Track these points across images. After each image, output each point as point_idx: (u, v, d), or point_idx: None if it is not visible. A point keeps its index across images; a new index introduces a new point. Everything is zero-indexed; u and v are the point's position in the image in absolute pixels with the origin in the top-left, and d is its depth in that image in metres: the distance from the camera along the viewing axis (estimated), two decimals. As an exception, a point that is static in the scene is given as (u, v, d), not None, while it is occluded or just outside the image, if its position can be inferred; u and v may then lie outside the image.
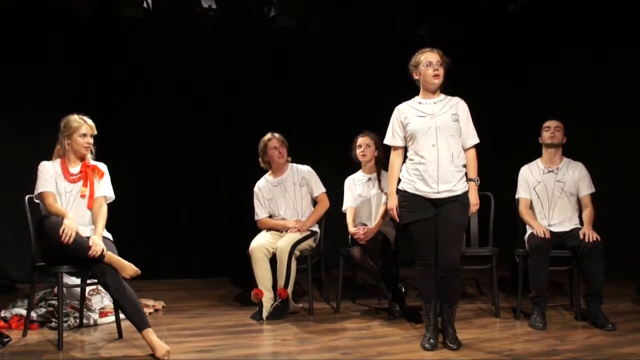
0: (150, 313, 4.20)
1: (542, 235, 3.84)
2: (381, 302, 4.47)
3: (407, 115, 3.36)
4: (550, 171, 4.09)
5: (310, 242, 4.25)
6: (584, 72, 5.66)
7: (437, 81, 3.31)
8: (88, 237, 3.25)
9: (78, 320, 3.80)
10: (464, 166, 3.33)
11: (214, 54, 5.97)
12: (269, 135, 4.38)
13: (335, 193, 4.49)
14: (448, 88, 3.41)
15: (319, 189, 4.41)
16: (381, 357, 3.11)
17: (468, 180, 3.34)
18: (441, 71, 3.29)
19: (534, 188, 4.11)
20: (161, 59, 5.85)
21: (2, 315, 3.83)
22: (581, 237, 3.78)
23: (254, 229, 4.41)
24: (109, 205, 3.54)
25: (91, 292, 4.10)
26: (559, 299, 4.46)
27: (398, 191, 3.40)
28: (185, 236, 5.94)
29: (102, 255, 3.17)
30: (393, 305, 4.07)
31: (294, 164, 4.46)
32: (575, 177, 4.03)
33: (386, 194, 3.66)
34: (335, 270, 4.54)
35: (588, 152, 4.43)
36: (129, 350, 3.25)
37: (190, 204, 5.99)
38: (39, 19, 5.44)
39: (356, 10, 5.85)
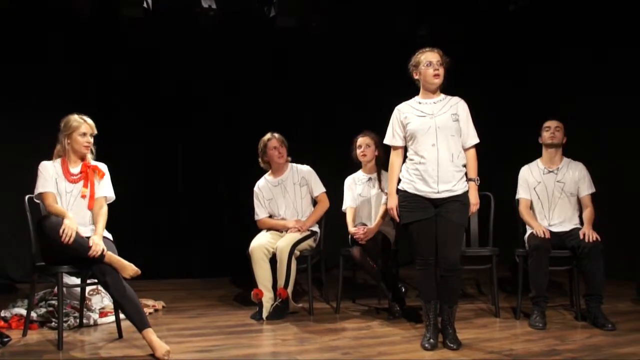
0: (150, 313, 4.20)
1: (542, 236, 3.84)
2: (381, 302, 4.47)
3: (407, 115, 3.36)
4: (550, 171, 4.09)
5: (310, 242, 4.25)
6: (584, 72, 5.66)
7: (438, 81, 3.31)
8: (88, 237, 3.25)
9: (78, 320, 3.81)
10: (464, 166, 3.34)
11: (214, 54, 5.97)
12: (268, 135, 4.39)
13: (335, 193, 4.49)
14: (448, 88, 3.41)
15: (319, 188, 4.41)
16: (381, 357, 3.11)
17: (468, 180, 3.34)
18: (441, 71, 3.29)
19: (534, 188, 4.11)
20: (161, 59, 5.86)
21: (2, 315, 3.83)
22: (581, 237, 3.78)
23: (254, 229, 4.41)
24: (109, 205, 3.54)
25: (91, 292, 4.10)
26: (559, 299, 4.46)
27: (398, 191, 3.40)
28: (185, 236, 5.94)
29: (102, 255, 3.17)
30: (393, 305, 4.07)
31: (294, 164, 4.46)
32: (575, 177, 4.03)
33: (386, 193, 3.66)
34: (335, 270, 4.54)
35: (588, 152, 4.43)
36: (129, 350, 3.25)
37: (190, 204, 5.99)
38: (39, 19, 5.44)
39: (356, 10, 5.85)
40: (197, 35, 5.84)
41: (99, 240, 3.22)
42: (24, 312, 3.70)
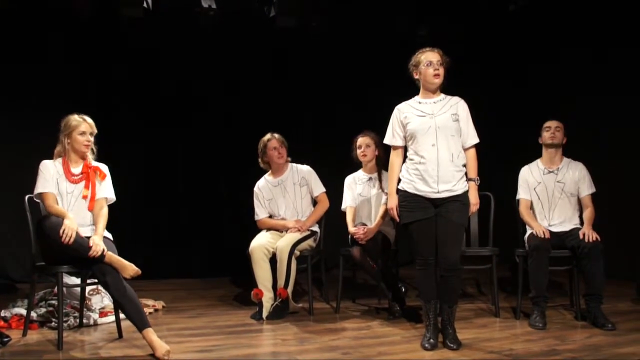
0: (150, 313, 4.20)
1: (542, 236, 3.84)
2: (381, 302, 4.47)
3: (407, 115, 3.36)
4: (550, 172, 4.09)
5: (310, 242, 4.25)
6: (584, 72, 5.66)
7: (438, 81, 3.31)
8: (88, 238, 3.25)
9: (78, 320, 3.80)
10: (464, 166, 3.34)
11: (214, 54, 5.97)
12: (268, 136, 4.38)
13: (335, 193, 4.49)
14: (448, 88, 3.41)
15: (319, 189, 4.41)
16: (381, 357, 3.11)
17: (468, 180, 3.34)
18: (441, 71, 3.29)
19: (534, 189, 4.11)
20: (161, 59, 5.86)
21: (2, 315, 3.83)
22: (581, 237, 3.78)
23: (254, 229, 4.41)
24: (109, 205, 3.54)
25: (91, 292, 4.10)
26: (559, 299, 4.46)
27: (398, 191, 3.40)
28: (185, 236, 5.94)
29: (102, 256, 3.17)
30: (393, 305, 4.07)
31: (294, 164, 4.46)
32: (575, 177, 4.03)
33: (386, 193, 3.66)
34: (335, 270, 4.54)
35: (588, 152, 4.43)
36: (129, 350, 3.25)
37: (190, 204, 5.99)
38: (39, 19, 5.44)
39: (356, 10, 5.85)
40: (197, 35, 5.84)
41: (99, 240, 3.22)
42: (24, 312, 3.70)
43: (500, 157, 5.93)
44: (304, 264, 4.17)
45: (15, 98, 5.42)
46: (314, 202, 4.44)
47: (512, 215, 4.22)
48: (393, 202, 3.40)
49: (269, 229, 4.35)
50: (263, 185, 4.45)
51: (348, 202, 4.37)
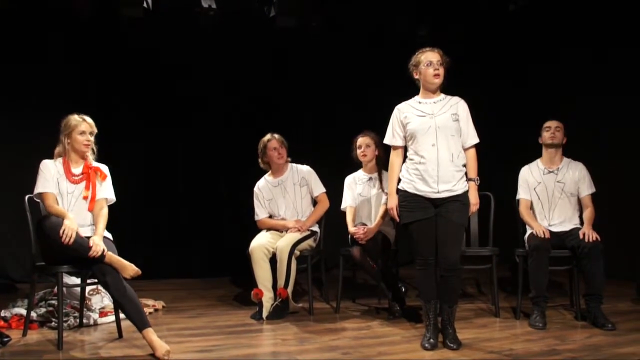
0: (150, 313, 4.20)
1: (542, 236, 3.84)
2: (381, 302, 4.47)
3: (407, 115, 3.36)
4: (550, 172, 4.09)
5: (310, 242, 4.25)
6: (584, 72, 5.66)
7: (438, 81, 3.31)
8: (88, 237, 3.25)
9: (78, 320, 3.80)
10: (464, 166, 3.34)
11: (214, 54, 5.97)
12: (268, 136, 4.38)
13: (335, 193, 4.49)
14: (448, 88, 3.41)
15: (319, 189, 4.41)
16: (381, 357, 3.11)
17: (468, 180, 3.34)
18: (441, 71, 3.29)
19: (534, 189, 4.11)
20: (161, 59, 5.85)
21: (2, 315, 3.83)
22: (581, 237, 3.78)
23: (254, 229, 4.41)
24: (109, 205, 3.54)
25: (91, 292, 4.10)
26: (559, 299, 4.46)
27: (398, 191, 3.40)
28: (185, 236, 5.94)
29: (102, 256, 3.17)
30: (393, 305, 4.07)
31: (294, 164, 4.46)
32: (575, 177, 4.03)
33: (387, 193, 3.66)
34: (335, 270, 4.54)
35: (588, 152, 4.43)
36: (129, 350, 3.25)
37: (190, 204, 5.99)
38: (39, 19, 5.44)
39: (356, 11, 5.85)
40: (197, 35, 5.84)
41: (99, 240, 3.22)
42: (24, 312, 3.70)
43: (500, 157, 5.93)
44: (304, 264, 4.17)
45: (15, 98, 5.42)
46: (314, 202, 4.44)
47: (512, 215, 4.22)
48: (393, 202, 3.40)
49: (269, 229, 4.35)
50: (263, 185, 4.45)
51: (348, 202, 4.37)
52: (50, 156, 3.48)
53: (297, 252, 4.09)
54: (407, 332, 3.64)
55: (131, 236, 5.02)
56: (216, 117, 6.10)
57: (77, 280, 3.76)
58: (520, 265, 4.01)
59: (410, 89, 3.45)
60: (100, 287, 4.04)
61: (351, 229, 4.15)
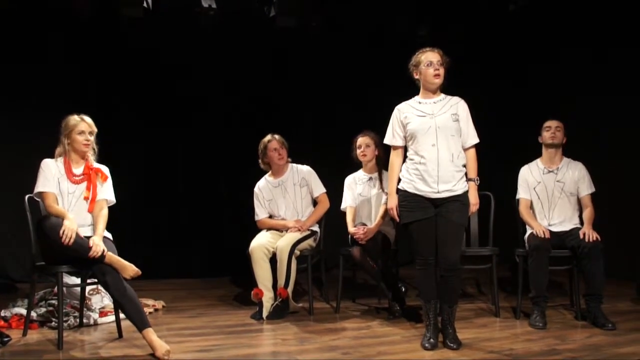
0: (150, 313, 4.20)
1: (542, 236, 3.84)
2: (381, 301, 4.47)
3: (407, 115, 3.36)
4: (550, 171, 4.09)
5: (310, 242, 4.25)
6: (584, 72, 5.66)
7: (438, 81, 3.31)
8: (88, 238, 3.25)
9: (78, 320, 3.81)
10: (464, 166, 3.34)
11: (214, 54, 5.97)
12: (268, 137, 4.38)
13: (335, 193, 4.49)
14: (448, 88, 3.41)
15: (319, 189, 4.41)
16: (381, 357, 3.11)
17: (468, 180, 3.34)
18: (442, 71, 3.29)
19: (534, 188, 4.11)
20: (161, 59, 5.85)
21: (2, 314, 3.83)
22: (581, 236, 3.78)
23: (254, 229, 4.41)
24: (109, 206, 3.54)
25: (91, 292, 4.10)
26: (559, 299, 4.46)
27: (398, 191, 3.40)
28: (185, 236, 5.94)
29: (102, 256, 3.17)
30: (393, 305, 4.07)
31: (294, 164, 4.46)
32: (575, 177, 4.03)
33: (387, 193, 3.66)
34: (335, 270, 4.54)
35: (588, 152, 4.43)
36: (129, 349, 3.25)
37: (190, 204, 5.99)
38: (39, 19, 5.44)
39: (356, 10, 5.85)
40: (197, 35, 5.84)
41: (99, 240, 3.22)
42: (24, 311, 3.70)
43: (500, 157, 5.93)
44: (304, 263, 4.17)
45: (15, 98, 5.42)
46: (314, 203, 4.44)
47: (512, 215, 4.22)
48: (393, 202, 3.40)
49: (269, 229, 4.35)
50: (263, 185, 4.45)
51: (348, 202, 4.37)
52: (51, 156, 3.48)
53: (297, 252, 4.09)
54: (407, 332, 3.64)
55: (131, 236, 5.01)
56: (216, 117, 6.10)
57: (77, 280, 3.76)
58: (520, 265, 4.01)
59: (410, 89, 3.45)
60: (100, 287, 4.04)
61: (351, 229, 4.15)
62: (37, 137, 4.72)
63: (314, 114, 6.27)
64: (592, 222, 3.90)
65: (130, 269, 3.22)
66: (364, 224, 4.15)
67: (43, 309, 3.83)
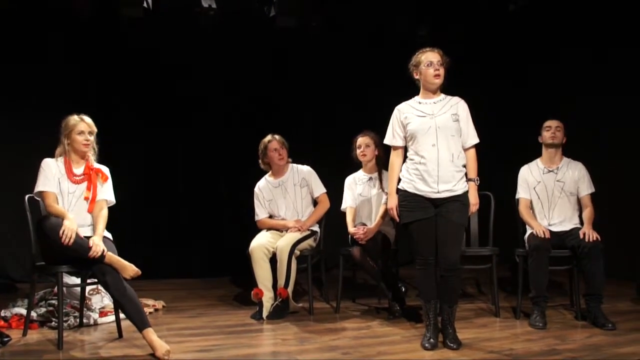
0: (150, 313, 4.20)
1: (542, 235, 3.84)
2: (381, 301, 4.47)
3: (407, 115, 3.36)
4: (550, 171, 4.09)
5: (310, 242, 4.25)
6: (584, 72, 5.66)
7: (438, 81, 3.31)
8: (88, 238, 3.25)
9: (78, 320, 3.81)
10: (464, 166, 3.34)
11: (214, 54, 5.97)
12: (269, 137, 4.38)
13: (335, 193, 4.49)
14: (448, 88, 3.41)
15: (320, 189, 4.41)
16: (381, 357, 3.11)
17: (468, 180, 3.34)
18: (442, 71, 3.29)
19: (534, 188, 4.11)
20: (161, 59, 5.85)
21: (2, 314, 3.83)
22: (581, 236, 3.78)
23: (254, 229, 4.41)
24: (109, 206, 3.54)
25: (91, 292, 4.10)
26: (559, 299, 4.46)
27: (398, 190, 3.40)
28: (185, 236, 5.94)
29: (102, 256, 3.16)
30: (393, 305, 4.07)
31: (294, 165, 4.46)
32: (575, 176, 4.03)
33: (387, 193, 3.66)
34: (335, 270, 4.53)
35: (588, 152, 4.43)
36: (129, 349, 3.25)
37: (190, 204, 5.99)
38: (39, 19, 5.44)
39: (356, 10, 5.85)
40: (197, 35, 5.83)
41: (99, 241, 3.22)
42: (24, 311, 3.70)
43: (500, 157, 5.93)
44: (304, 263, 4.17)
45: (15, 98, 5.42)
46: (314, 203, 4.43)
47: (512, 215, 4.22)
48: (393, 202, 3.40)
49: (269, 229, 4.35)
50: (264, 185, 4.45)
51: (348, 203, 4.37)
52: (51, 156, 3.48)
53: (297, 252, 4.09)
54: (407, 332, 3.64)
55: (131, 236, 5.01)
56: (216, 117, 6.10)
57: (77, 280, 3.76)
58: (520, 265, 4.01)
59: (410, 89, 3.45)
60: (100, 287, 4.04)
61: (351, 229, 4.15)
62: (37, 137, 4.72)
63: (314, 114, 6.27)
64: (592, 222, 3.90)
65: (130, 269, 3.22)
66: (364, 224, 4.15)
67: (43, 309, 3.83)
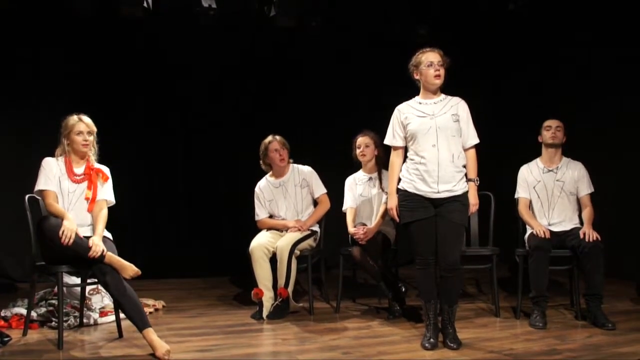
0: (150, 313, 4.20)
1: (542, 235, 3.84)
2: (381, 301, 4.47)
3: (407, 116, 3.36)
4: (549, 170, 4.09)
5: (310, 242, 4.25)
6: (584, 72, 5.66)
7: (439, 81, 3.31)
8: (88, 238, 3.25)
9: (78, 320, 3.81)
10: (464, 166, 3.34)
11: (213, 53, 5.97)
12: (269, 138, 4.38)
13: (335, 193, 4.49)
14: (448, 88, 3.41)
15: (320, 189, 4.41)
16: (381, 357, 3.12)
17: (468, 180, 3.35)
18: (442, 71, 3.29)
19: (534, 187, 4.11)
20: (161, 58, 5.85)
21: (3, 314, 3.83)
22: (581, 236, 3.79)
23: (254, 229, 4.41)
24: (108, 206, 3.54)
25: (91, 292, 4.10)
26: (559, 299, 4.46)
27: (398, 190, 3.40)
28: (185, 236, 5.94)
29: (102, 256, 3.16)
30: (393, 305, 4.07)
31: (295, 165, 4.46)
32: (574, 176, 4.04)
33: (387, 193, 3.66)
34: (335, 270, 4.54)
35: (588, 152, 4.43)
36: (129, 349, 3.26)
37: (190, 204, 5.99)
38: (39, 19, 5.44)
39: (356, 11, 5.85)
40: (197, 35, 5.83)
41: (98, 241, 3.22)
42: (24, 311, 3.70)
43: (500, 157, 5.93)
44: (304, 263, 4.17)
45: (15, 98, 5.42)
46: (315, 203, 4.44)
47: (512, 215, 4.22)
48: (393, 202, 3.40)
49: (269, 229, 4.35)
50: (264, 185, 4.45)
51: (349, 203, 4.37)
52: (51, 156, 3.48)
53: (297, 252, 4.09)
54: (407, 331, 3.64)
55: (131, 236, 5.02)
56: (216, 117, 6.09)
57: (77, 280, 3.76)
58: (520, 265, 4.01)
59: (410, 90, 3.45)
60: (100, 287, 4.04)
61: (351, 229, 4.15)
62: (37, 137, 4.72)
63: (314, 114, 6.27)
64: (592, 222, 3.90)
65: (130, 269, 3.22)
66: (364, 224, 4.15)
67: (43, 309, 3.83)
